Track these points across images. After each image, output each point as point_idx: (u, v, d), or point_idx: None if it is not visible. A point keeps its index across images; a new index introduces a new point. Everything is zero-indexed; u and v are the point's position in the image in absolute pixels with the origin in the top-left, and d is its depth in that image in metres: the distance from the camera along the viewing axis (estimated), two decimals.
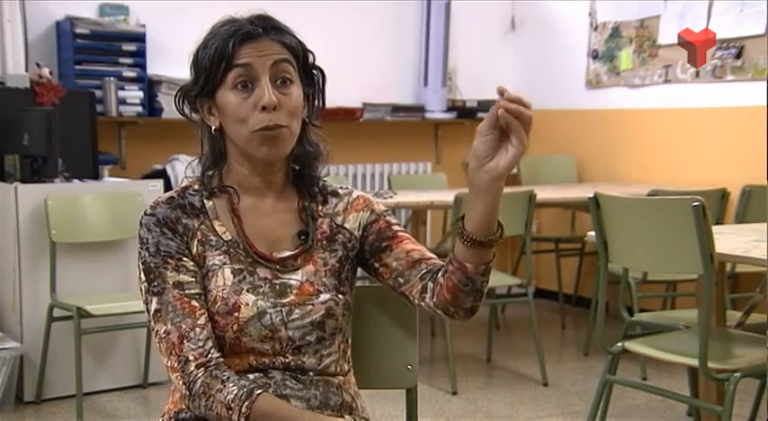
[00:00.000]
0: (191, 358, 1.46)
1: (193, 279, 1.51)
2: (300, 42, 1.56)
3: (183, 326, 1.47)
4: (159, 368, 4.02)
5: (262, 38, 1.51)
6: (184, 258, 1.52)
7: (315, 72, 1.59)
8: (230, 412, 1.42)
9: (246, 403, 1.42)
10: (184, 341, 1.47)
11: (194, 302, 1.50)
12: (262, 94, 1.49)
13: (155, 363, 4.00)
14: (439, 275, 1.52)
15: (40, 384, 3.78)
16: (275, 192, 1.59)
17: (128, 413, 3.73)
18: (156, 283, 1.50)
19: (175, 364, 1.47)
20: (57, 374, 3.80)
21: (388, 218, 1.62)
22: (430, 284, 1.53)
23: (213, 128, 1.55)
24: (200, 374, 1.46)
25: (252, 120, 1.49)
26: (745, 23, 4.71)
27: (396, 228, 1.61)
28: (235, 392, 1.43)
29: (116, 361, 3.98)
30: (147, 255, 1.51)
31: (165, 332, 1.48)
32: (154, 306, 1.50)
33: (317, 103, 1.60)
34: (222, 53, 1.49)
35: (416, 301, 1.56)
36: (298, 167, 1.60)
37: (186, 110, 1.58)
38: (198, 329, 1.48)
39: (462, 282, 1.48)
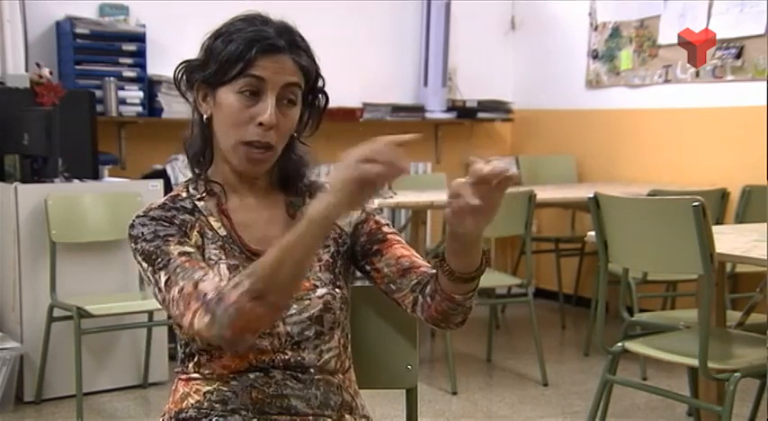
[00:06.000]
0: (208, 289, 1.38)
1: (197, 252, 1.49)
2: (315, 64, 1.55)
3: (197, 275, 1.41)
4: (159, 368, 4.03)
5: (282, 54, 1.49)
6: (185, 238, 1.51)
7: (320, 95, 1.58)
8: (238, 287, 1.33)
9: (245, 271, 1.36)
10: (200, 283, 1.39)
11: (203, 263, 1.47)
12: (264, 110, 1.48)
13: (155, 363, 4.00)
14: (428, 289, 1.53)
15: (40, 384, 3.78)
16: (259, 191, 1.59)
17: (128, 413, 3.73)
18: (159, 260, 1.46)
19: (193, 303, 1.37)
20: (57, 374, 3.80)
21: (377, 217, 1.62)
22: (420, 298, 1.54)
23: (204, 116, 1.55)
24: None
25: (246, 130, 1.49)
26: (745, 23, 4.71)
27: (385, 229, 1.61)
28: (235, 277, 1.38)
29: (116, 361, 3.98)
30: (144, 244, 1.48)
31: (179, 290, 1.41)
32: (163, 279, 1.44)
33: (310, 122, 1.60)
34: (241, 56, 1.47)
35: (408, 311, 1.57)
36: (283, 174, 1.60)
37: (183, 86, 1.57)
38: (211, 274, 1.43)
39: (452, 308, 1.50)
